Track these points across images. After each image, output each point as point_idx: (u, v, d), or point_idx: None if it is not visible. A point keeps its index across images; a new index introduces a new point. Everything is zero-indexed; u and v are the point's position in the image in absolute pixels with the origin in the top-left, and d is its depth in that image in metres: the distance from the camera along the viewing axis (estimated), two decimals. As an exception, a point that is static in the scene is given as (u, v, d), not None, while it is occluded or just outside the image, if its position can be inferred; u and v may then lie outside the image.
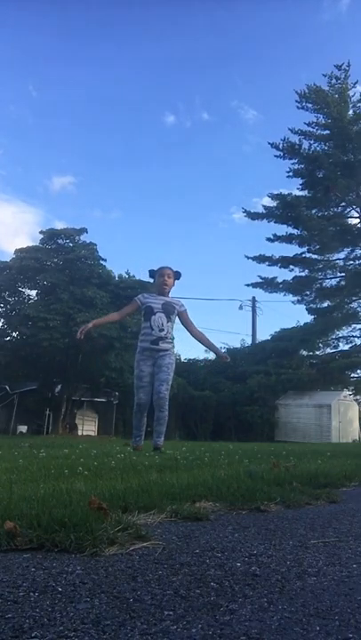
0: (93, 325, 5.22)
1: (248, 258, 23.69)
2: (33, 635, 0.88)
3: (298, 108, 23.35)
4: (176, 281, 5.30)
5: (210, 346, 5.55)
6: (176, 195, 57.73)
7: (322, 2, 46.20)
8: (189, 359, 26.84)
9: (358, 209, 23.40)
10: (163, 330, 5.07)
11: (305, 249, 23.53)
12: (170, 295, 5.27)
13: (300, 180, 23.44)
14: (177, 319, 5.28)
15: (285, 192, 23.28)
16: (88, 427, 22.96)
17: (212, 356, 27.74)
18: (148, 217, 56.16)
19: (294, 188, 25.01)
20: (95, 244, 20.76)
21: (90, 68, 50.81)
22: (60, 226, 22.01)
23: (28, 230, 60.75)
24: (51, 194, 55.14)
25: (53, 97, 52.04)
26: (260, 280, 23.69)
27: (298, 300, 23.83)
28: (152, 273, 5.29)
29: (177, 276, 5.28)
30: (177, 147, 57.23)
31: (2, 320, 20.22)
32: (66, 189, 56.15)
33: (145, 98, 55.26)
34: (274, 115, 54.96)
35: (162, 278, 5.17)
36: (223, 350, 27.26)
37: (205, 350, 29.52)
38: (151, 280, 5.46)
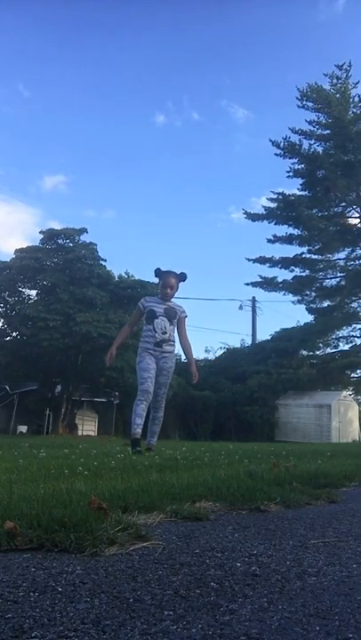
0: (116, 348, 5.40)
1: (249, 260, 23.73)
2: (33, 635, 0.88)
3: (298, 106, 23.37)
4: (181, 283, 5.29)
5: (190, 358, 5.55)
6: (172, 195, 57.67)
7: (317, 3, 46.19)
8: (189, 359, 26.80)
9: (358, 209, 23.39)
10: (165, 333, 5.10)
11: (305, 249, 23.56)
12: (173, 300, 5.29)
13: (298, 180, 23.46)
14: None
15: (284, 191, 23.34)
16: (88, 427, 22.95)
17: (211, 356, 27.85)
18: (145, 217, 56.15)
19: (293, 187, 25.10)
20: (95, 244, 20.76)
21: (79, 68, 50.81)
22: (53, 225, 22.05)
23: (22, 230, 60.64)
24: (43, 193, 55.09)
25: (44, 97, 52.03)
26: (261, 279, 23.70)
27: (298, 300, 23.84)
28: (157, 273, 5.23)
29: (182, 278, 5.26)
30: (169, 146, 57.14)
31: (2, 320, 20.22)
32: (57, 188, 56.15)
33: (135, 97, 55.20)
34: (265, 114, 55.10)
35: (165, 289, 5.18)
36: (223, 350, 27.41)
37: (205, 350, 29.45)
38: (156, 280, 5.47)
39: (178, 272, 5.27)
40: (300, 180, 23.40)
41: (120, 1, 44.44)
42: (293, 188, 37.76)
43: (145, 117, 55.40)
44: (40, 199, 56.37)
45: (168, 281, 5.18)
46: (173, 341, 5.22)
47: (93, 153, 57.18)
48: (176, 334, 5.25)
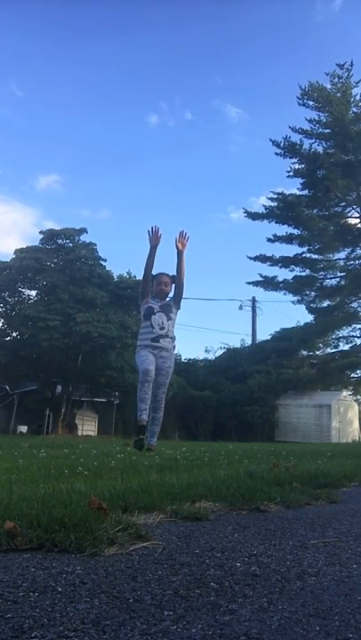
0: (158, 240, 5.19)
1: (250, 258, 23.76)
2: (33, 635, 0.88)
3: (299, 104, 23.34)
4: (173, 285, 5.34)
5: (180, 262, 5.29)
6: (169, 195, 57.51)
7: (314, 3, 46.15)
8: (189, 359, 26.84)
9: (358, 209, 23.38)
10: (163, 328, 5.13)
11: (305, 249, 23.55)
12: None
13: (297, 180, 23.45)
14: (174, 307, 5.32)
15: (284, 191, 23.33)
16: (88, 427, 22.95)
17: (211, 355, 27.83)
18: (141, 217, 55.89)
19: (292, 187, 25.05)
20: (95, 244, 20.76)
21: (72, 68, 50.75)
22: (48, 225, 22.11)
23: (18, 229, 60.31)
24: (38, 193, 54.96)
25: (37, 96, 51.97)
26: (261, 279, 23.71)
27: (298, 300, 23.82)
28: (151, 277, 5.36)
29: (174, 280, 5.33)
30: (164, 146, 56.91)
31: (2, 320, 20.21)
32: (52, 188, 56.01)
33: (128, 97, 54.99)
34: (258, 114, 55.13)
35: (159, 286, 5.29)
36: (223, 350, 27.39)
37: (205, 350, 29.38)
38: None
39: (170, 274, 5.32)
40: (299, 180, 23.41)
41: (112, 1, 44.48)
42: (292, 187, 37.85)
43: (138, 117, 55.44)
44: (35, 198, 56.30)
45: (162, 279, 5.28)
46: (172, 338, 5.23)
47: (87, 152, 57.13)
48: (183, 328, 5.28)
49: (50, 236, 20.72)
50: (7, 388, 20.64)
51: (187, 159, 57.44)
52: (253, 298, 28.14)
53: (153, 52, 51.45)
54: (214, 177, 56.35)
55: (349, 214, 23.89)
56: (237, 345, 27.80)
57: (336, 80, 23.13)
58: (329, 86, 23.11)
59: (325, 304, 23.59)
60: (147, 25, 48.18)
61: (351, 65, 22.77)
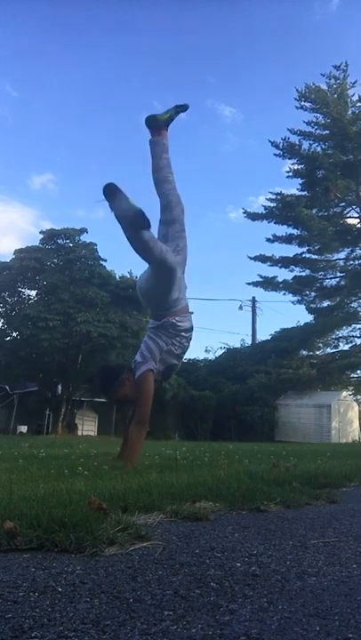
0: None
1: (250, 258, 23.77)
2: (33, 635, 0.88)
3: (297, 107, 23.35)
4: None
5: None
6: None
7: (311, 3, 45.91)
8: (189, 359, 26.85)
9: (358, 209, 23.38)
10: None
11: (305, 249, 23.54)
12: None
13: (296, 180, 23.46)
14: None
15: (283, 190, 23.34)
16: (88, 427, 22.95)
17: (211, 355, 27.80)
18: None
19: (291, 186, 25.03)
20: (95, 244, 20.76)
21: (66, 68, 50.46)
22: (44, 224, 22.08)
23: (14, 229, 60.00)
24: (33, 192, 54.64)
25: (31, 96, 51.76)
26: (261, 279, 23.70)
27: (298, 300, 23.81)
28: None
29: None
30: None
31: (2, 320, 20.22)
32: (46, 187, 55.65)
33: (121, 97, 54.61)
34: (253, 112, 54.85)
35: None
36: (223, 350, 27.36)
37: (205, 350, 29.26)
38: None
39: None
40: (298, 180, 23.42)
41: (107, 2, 44.36)
42: (291, 186, 37.83)
43: (132, 116, 55.02)
44: (31, 198, 55.96)
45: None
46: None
47: (81, 152, 56.41)
48: None
49: (50, 235, 20.72)
50: (7, 388, 20.64)
51: (182, 159, 56.95)
52: (253, 298, 28.15)
53: (146, 52, 51.23)
54: (211, 177, 56.03)
55: (349, 214, 23.90)
56: (237, 345, 27.81)
57: (333, 81, 23.17)
58: (326, 87, 23.14)
59: (325, 304, 23.58)
60: (140, 25, 47.93)
61: (346, 65, 22.81)
